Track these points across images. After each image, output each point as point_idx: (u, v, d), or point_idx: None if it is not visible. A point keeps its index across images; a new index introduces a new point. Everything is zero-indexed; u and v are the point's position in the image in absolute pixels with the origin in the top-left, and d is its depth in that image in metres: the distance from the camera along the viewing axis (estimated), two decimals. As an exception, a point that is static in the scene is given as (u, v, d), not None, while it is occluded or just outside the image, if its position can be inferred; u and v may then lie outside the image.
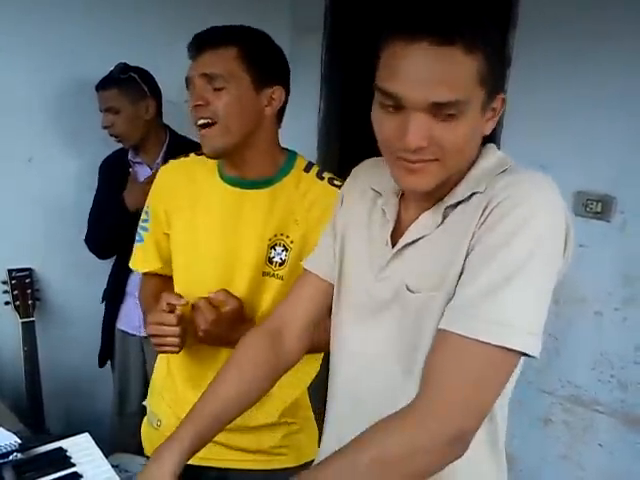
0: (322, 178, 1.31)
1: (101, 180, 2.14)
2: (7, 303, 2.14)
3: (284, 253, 1.27)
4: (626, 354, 1.85)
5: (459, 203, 0.85)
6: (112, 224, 2.01)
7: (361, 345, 0.95)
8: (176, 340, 1.22)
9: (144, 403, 1.52)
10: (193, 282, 1.33)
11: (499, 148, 2.14)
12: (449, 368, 0.77)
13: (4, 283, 2.14)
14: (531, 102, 1.93)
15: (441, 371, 0.77)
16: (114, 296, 2.16)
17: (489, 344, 0.74)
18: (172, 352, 1.25)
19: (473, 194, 0.83)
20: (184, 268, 1.35)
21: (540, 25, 1.90)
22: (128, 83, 2.01)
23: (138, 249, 1.44)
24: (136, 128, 2.05)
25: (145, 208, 1.42)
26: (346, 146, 2.61)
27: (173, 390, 1.40)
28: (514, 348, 0.74)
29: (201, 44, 1.21)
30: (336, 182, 1.31)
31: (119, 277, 2.13)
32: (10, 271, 2.14)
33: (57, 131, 2.21)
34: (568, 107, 1.90)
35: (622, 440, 1.89)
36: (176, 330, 1.21)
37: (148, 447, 1.47)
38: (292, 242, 1.27)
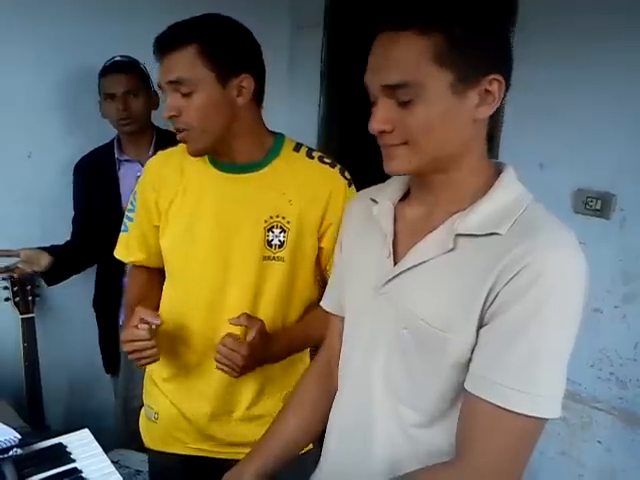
0: (312, 157, 1.32)
1: (80, 183, 2.10)
2: (7, 299, 2.13)
3: (282, 235, 1.28)
4: (625, 351, 1.85)
5: (473, 235, 0.83)
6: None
7: (364, 364, 0.95)
8: (154, 351, 1.23)
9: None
10: (191, 271, 1.33)
11: (498, 147, 2.14)
12: (486, 437, 0.80)
13: (4, 279, 2.14)
14: (531, 101, 1.92)
15: (478, 440, 0.81)
16: (108, 301, 2.14)
17: (524, 415, 0.77)
18: (152, 362, 1.26)
19: (492, 234, 0.81)
20: (181, 258, 1.34)
21: (540, 24, 1.89)
22: (141, 71, 2.03)
23: (122, 238, 1.45)
24: (148, 114, 2.07)
25: (131, 198, 1.42)
26: (346, 142, 2.61)
27: (169, 380, 1.41)
28: (548, 417, 0.78)
29: (162, 47, 1.20)
30: (326, 160, 1.33)
31: (109, 280, 2.11)
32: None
33: (56, 127, 2.20)
34: (568, 105, 1.89)
35: (621, 437, 1.89)
36: (151, 343, 1.22)
37: (148, 440, 1.48)
38: (289, 222, 1.28)
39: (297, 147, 1.33)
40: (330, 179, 1.30)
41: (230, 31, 1.23)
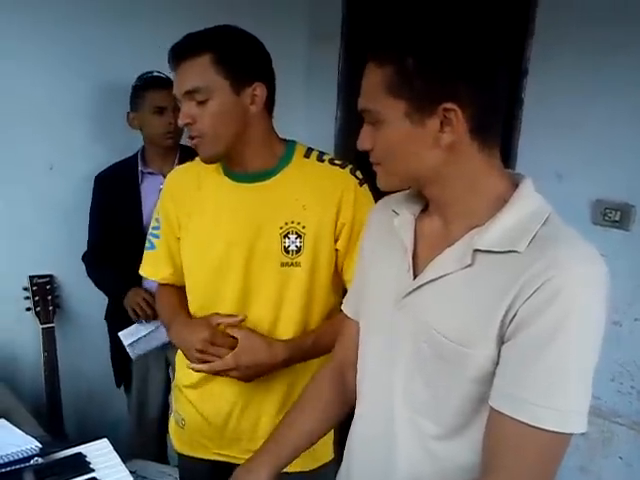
0: (322, 160, 1.34)
1: (101, 195, 2.12)
2: (28, 309, 2.17)
3: (298, 240, 1.29)
4: (646, 365, 1.83)
5: (491, 252, 0.83)
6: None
7: (384, 377, 0.95)
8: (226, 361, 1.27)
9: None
10: (212, 283, 1.35)
11: (516, 158, 2.13)
12: (514, 454, 0.80)
13: (25, 289, 2.18)
14: (548, 111, 1.92)
15: (506, 457, 0.81)
16: (120, 314, 2.11)
17: (552, 431, 0.77)
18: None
19: (511, 251, 0.81)
20: (201, 270, 1.36)
21: (557, 35, 1.89)
22: None
23: (149, 256, 1.46)
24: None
25: (155, 215, 1.44)
26: (363, 154, 2.61)
27: (193, 386, 1.43)
28: (576, 432, 0.78)
29: (176, 57, 1.23)
30: (336, 161, 1.34)
31: (125, 288, 2.09)
32: (31, 277, 2.18)
33: (77, 139, 2.24)
34: (585, 116, 1.88)
35: (642, 452, 1.86)
36: (226, 352, 1.27)
37: (178, 445, 1.52)
38: (304, 227, 1.29)
39: (308, 153, 1.35)
40: (340, 179, 1.31)
41: (243, 41, 1.26)
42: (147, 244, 1.46)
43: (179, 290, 1.45)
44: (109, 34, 2.20)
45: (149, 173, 2.10)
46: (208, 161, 1.29)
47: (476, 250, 0.83)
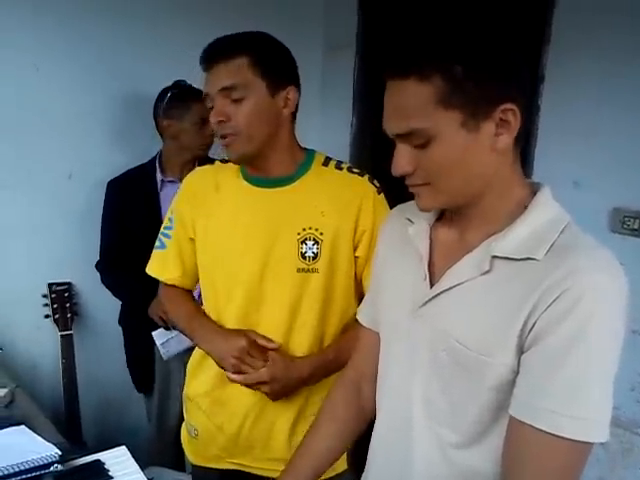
0: (341, 169, 1.36)
1: (114, 201, 2.12)
2: (47, 316, 2.20)
3: (315, 246, 1.30)
4: (667, 374, 1.81)
5: (509, 258, 0.83)
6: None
7: (403, 385, 0.95)
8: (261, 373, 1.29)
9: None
10: (227, 286, 1.35)
11: (532, 166, 2.12)
12: (535, 463, 0.79)
13: (44, 297, 2.20)
14: (565, 118, 1.90)
15: (527, 466, 0.80)
16: (135, 318, 2.15)
17: (574, 440, 0.76)
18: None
19: (529, 259, 0.81)
20: (217, 272, 1.37)
21: (574, 41, 1.88)
22: None
23: (158, 255, 1.45)
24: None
25: (169, 214, 1.44)
26: (378, 162, 2.61)
27: (205, 395, 1.43)
28: (597, 441, 0.77)
29: (213, 56, 1.23)
30: (354, 170, 1.36)
31: (140, 299, 2.10)
32: (50, 285, 2.20)
33: (95, 148, 2.26)
34: (603, 123, 1.87)
35: (663, 463, 1.84)
36: (261, 365, 1.29)
37: (191, 456, 1.52)
38: (322, 234, 1.30)
39: (326, 161, 1.37)
40: (359, 187, 1.33)
41: (276, 45, 1.28)
42: (157, 243, 1.46)
43: (188, 294, 1.46)
44: (127, 44, 2.23)
45: (169, 181, 2.10)
46: (238, 161, 1.30)
47: (494, 257, 0.83)
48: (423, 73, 0.79)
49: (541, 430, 0.77)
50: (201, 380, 1.42)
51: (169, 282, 1.46)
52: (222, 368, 1.32)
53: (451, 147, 0.80)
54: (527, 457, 0.80)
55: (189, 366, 1.49)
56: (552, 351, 0.77)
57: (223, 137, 1.25)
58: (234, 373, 1.29)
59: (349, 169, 1.36)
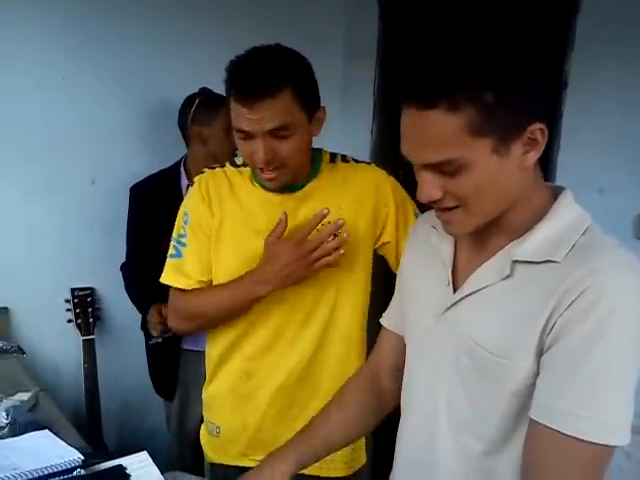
0: (347, 161, 1.40)
1: (138, 206, 2.12)
2: (70, 321, 2.22)
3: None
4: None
5: (529, 262, 0.82)
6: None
7: (428, 391, 0.95)
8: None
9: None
10: None
11: (555, 171, 2.10)
12: (555, 467, 0.79)
13: (67, 302, 2.23)
14: (589, 125, 1.89)
15: (547, 469, 0.79)
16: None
17: (592, 442, 0.75)
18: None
19: (549, 261, 0.81)
20: (232, 276, 1.35)
21: (598, 47, 1.86)
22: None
23: (175, 264, 1.38)
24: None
25: (181, 218, 1.40)
26: (398, 170, 2.60)
27: (230, 391, 1.43)
28: (617, 444, 0.76)
29: (254, 93, 1.16)
30: (359, 160, 1.41)
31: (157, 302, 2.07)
32: (73, 290, 2.23)
33: (119, 154, 2.29)
34: (627, 129, 1.85)
35: (690, 476, 1.80)
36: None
37: (212, 455, 1.52)
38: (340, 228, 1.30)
39: (332, 158, 1.39)
40: (370, 173, 1.39)
41: (307, 67, 1.25)
42: (172, 251, 1.40)
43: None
44: (155, 52, 2.26)
45: None
46: (280, 188, 1.31)
47: (515, 261, 0.83)
48: (452, 103, 0.75)
49: (560, 432, 0.76)
50: (223, 378, 1.43)
51: (189, 288, 1.39)
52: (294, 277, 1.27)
53: (483, 173, 0.79)
54: (545, 460, 0.79)
55: (208, 366, 1.49)
56: (571, 350, 0.76)
57: (269, 172, 1.24)
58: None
59: (354, 160, 1.40)
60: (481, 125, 0.76)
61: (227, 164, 1.42)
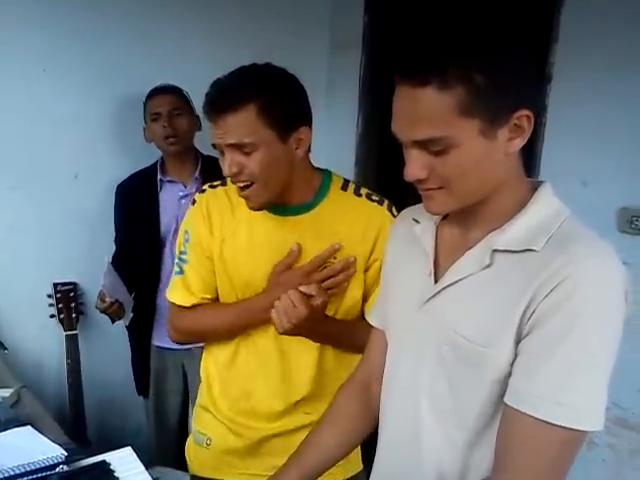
0: (360, 195, 1.33)
1: (121, 204, 2.15)
2: (52, 316, 2.20)
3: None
4: (675, 375, 1.79)
5: (509, 251, 0.83)
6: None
7: (410, 382, 0.95)
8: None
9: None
10: None
11: (539, 164, 2.11)
12: (526, 451, 0.79)
13: (49, 296, 2.21)
14: (573, 117, 1.90)
15: (517, 453, 0.80)
16: (141, 322, 2.14)
17: (562, 427, 0.76)
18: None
19: (528, 250, 0.82)
20: (230, 298, 1.35)
21: (582, 39, 1.87)
22: (184, 94, 2.10)
23: (178, 282, 1.38)
24: (192, 135, 2.12)
25: (182, 236, 1.38)
26: (384, 163, 2.62)
27: (225, 406, 1.40)
28: (588, 429, 0.77)
29: (217, 108, 1.17)
30: (374, 197, 1.33)
31: (143, 301, 2.11)
32: (55, 285, 2.21)
33: (102, 148, 2.27)
34: (611, 122, 1.86)
35: (671, 465, 1.82)
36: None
37: (197, 467, 1.46)
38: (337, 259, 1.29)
39: (345, 185, 1.33)
40: (379, 216, 1.30)
41: (283, 85, 1.22)
42: (176, 268, 1.40)
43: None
44: (127, 52, 2.24)
45: (168, 181, 2.12)
46: (258, 209, 1.26)
47: (495, 250, 0.84)
48: (444, 82, 0.77)
49: (531, 416, 0.77)
50: (224, 392, 1.39)
51: (188, 304, 1.38)
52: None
53: (469, 154, 0.81)
54: (517, 445, 0.80)
55: (203, 376, 1.45)
56: (546, 338, 0.78)
57: (241, 189, 1.23)
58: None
59: (368, 195, 1.33)
60: (470, 106, 0.78)
61: (229, 182, 1.35)
